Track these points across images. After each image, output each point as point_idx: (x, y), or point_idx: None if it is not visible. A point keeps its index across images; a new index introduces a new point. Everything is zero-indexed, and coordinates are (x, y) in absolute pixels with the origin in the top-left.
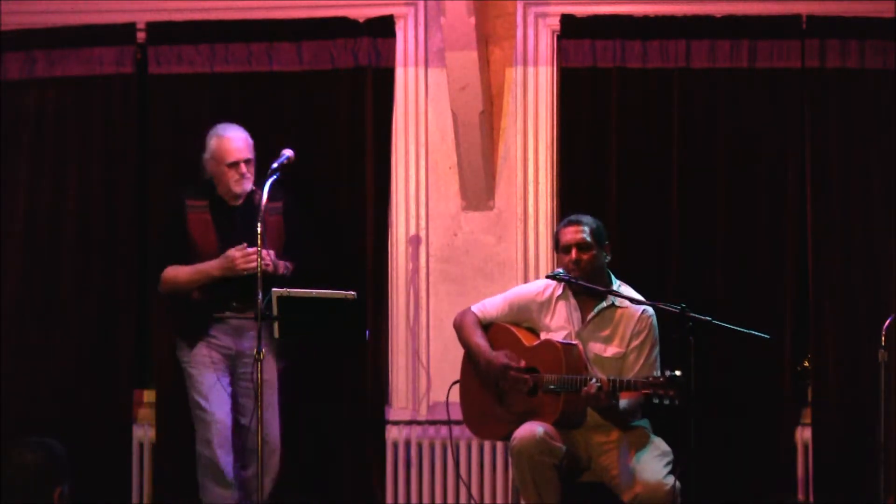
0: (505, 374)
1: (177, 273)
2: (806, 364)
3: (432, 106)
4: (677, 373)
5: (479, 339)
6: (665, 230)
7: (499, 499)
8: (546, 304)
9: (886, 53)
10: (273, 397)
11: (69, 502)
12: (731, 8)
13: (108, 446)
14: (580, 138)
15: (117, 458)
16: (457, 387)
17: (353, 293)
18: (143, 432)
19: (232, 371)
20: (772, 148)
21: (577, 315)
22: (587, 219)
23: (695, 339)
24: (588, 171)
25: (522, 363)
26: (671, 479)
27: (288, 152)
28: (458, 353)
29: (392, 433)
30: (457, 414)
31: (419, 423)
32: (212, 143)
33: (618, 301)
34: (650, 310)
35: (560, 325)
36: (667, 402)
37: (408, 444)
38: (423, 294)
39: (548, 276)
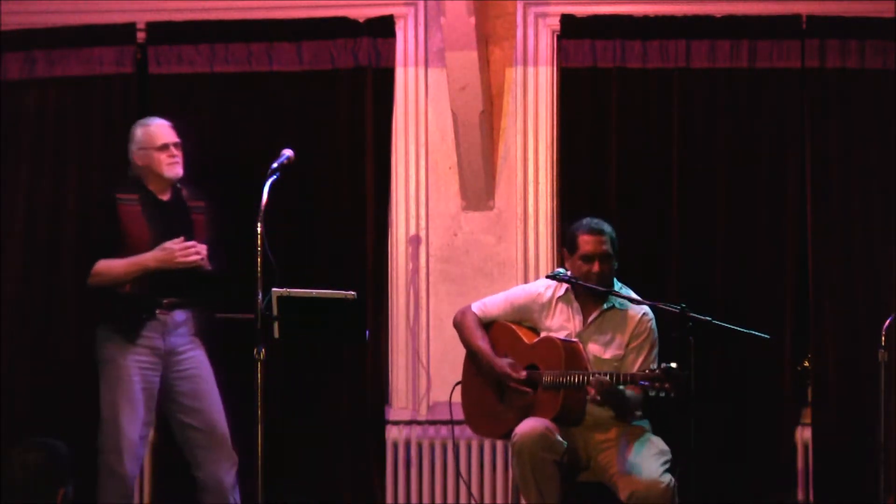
0: (505, 383)
1: (110, 266)
2: (806, 364)
3: (432, 106)
4: (673, 365)
5: (482, 343)
6: (665, 230)
7: (499, 499)
8: (547, 305)
9: (886, 53)
10: (213, 388)
11: (72, 503)
12: (731, 8)
13: None
14: (580, 138)
15: None
16: (458, 387)
17: (353, 293)
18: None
19: (164, 370)
20: (772, 148)
21: (578, 317)
22: (608, 227)
23: (695, 339)
24: (588, 171)
25: (523, 374)
26: (667, 478)
27: (288, 152)
28: (459, 353)
29: (392, 433)
30: (458, 414)
31: (419, 423)
32: (137, 132)
33: (619, 303)
34: (650, 313)
35: (560, 325)
36: (663, 394)
37: (408, 444)
38: (423, 294)
39: (548, 276)
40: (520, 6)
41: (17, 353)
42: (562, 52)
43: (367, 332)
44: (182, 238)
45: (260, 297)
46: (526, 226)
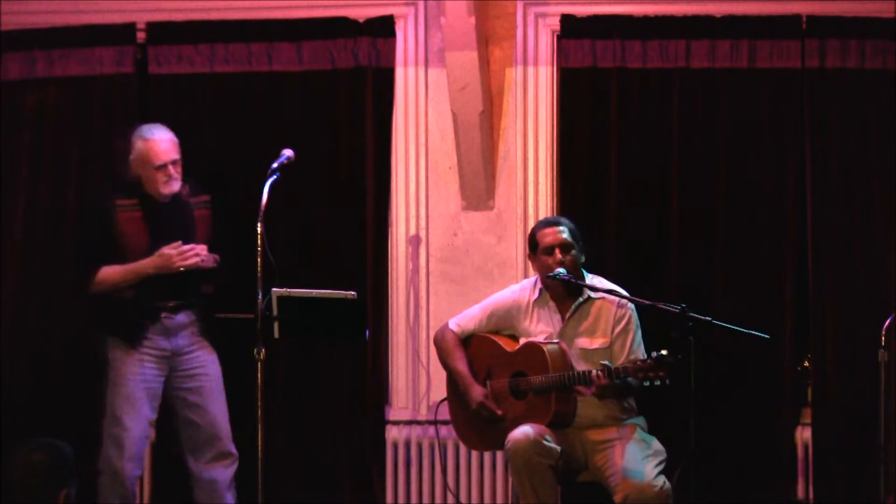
0: (479, 412)
1: (111, 274)
2: (806, 364)
3: (432, 106)
4: (664, 352)
5: (459, 365)
6: (665, 230)
7: (499, 499)
8: (524, 311)
9: (886, 53)
10: (218, 387)
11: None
12: (731, 8)
13: None
14: (580, 138)
15: None
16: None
17: (353, 293)
18: None
19: (169, 371)
20: (772, 148)
21: (557, 317)
22: (563, 219)
23: (695, 339)
24: (588, 171)
25: (499, 413)
26: (661, 480)
27: (288, 152)
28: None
29: (392, 433)
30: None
31: (419, 423)
32: (137, 145)
33: (592, 293)
34: (625, 294)
35: (541, 328)
36: (658, 383)
37: (408, 444)
38: (423, 294)
39: (548, 276)
40: (520, 6)
41: (17, 353)
42: (562, 52)
43: (367, 332)
44: (180, 242)
45: (260, 297)
46: (526, 226)
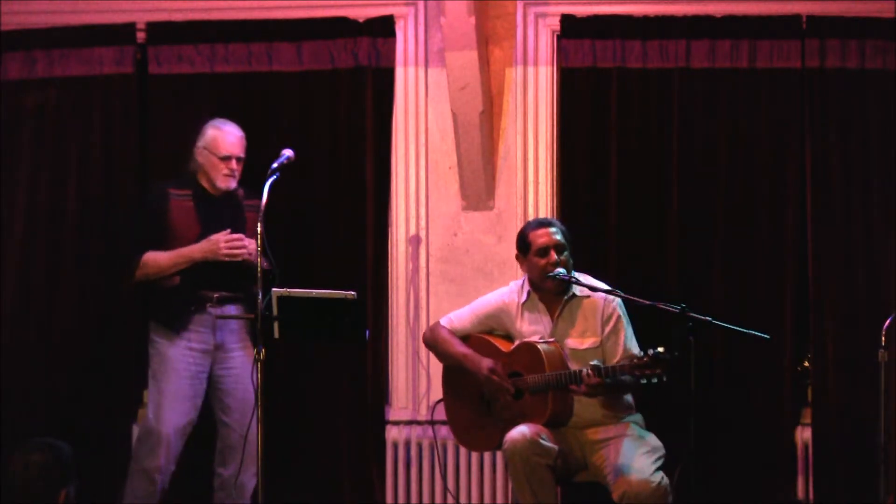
0: (489, 377)
1: (157, 258)
2: (806, 364)
3: (432, 106)
4: (660, 349)
5: (461, 348)
6: (665, 230)
7: (499, 499)
8: (514, 313)
9: (886, 53)
10: (250, 392)
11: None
12: (731, 8)
13: (108, 446)
14: (580, 138)
15: (117, 458)
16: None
17: (353, 293)
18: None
19: (211, 366)
20: (772, 148)
21: (546, 318)
22: (555, 221)
23: (695, 339)
24: (588, 170)
25: (507, 386)
26: (659, 476)
27: (288, 152)
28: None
29: (392, 433)
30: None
31: (419, 423)
32: (209, 132)
33: (578, 290)
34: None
35: (532, 329)
36: (654, 380)
37: (408, 444)
38: (423, 294)
39: (548, 277)
40: (520, 6)
41: (18, 353)
42: (562, 52)
43: (367, 332)
44: (229, 230)
45: (260, 297)
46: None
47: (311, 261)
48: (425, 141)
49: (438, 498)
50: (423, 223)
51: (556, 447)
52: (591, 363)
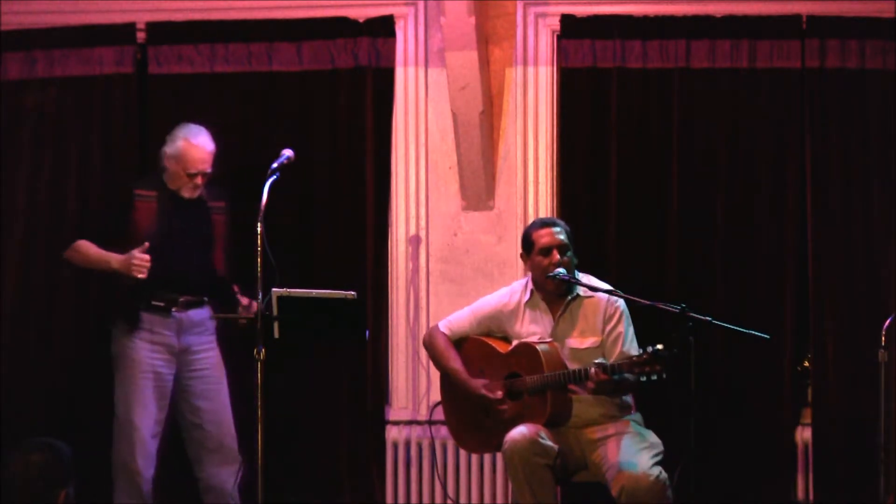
0: (483, 404)
1: (88, 249)
2: (806, 364)
3: (432, 106)
4: (659, 347)
5: (455, 364)
6: (665, 230)
7: (499, 499)
8: (514, 312)
9: (886, 53)
10: (223, 390)
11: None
12: (731, 8)
13: (108, 446)
14: (580, 138)
15: None
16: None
17: (353, 293)
18: None
19: (178, 368)
20: (772, 148)
21: (547, 317)
22: (558, 220)
23: (695, 339)
24: (588, 170)
25: (499, 394)
26: (657, 470)
27: (288, 152)
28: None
29: (392, 433)
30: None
31: (419, 423)
32: (180, 144)
33: (581, 291)
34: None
35: (532, 330)
36: (654, 377)
37: (408, 444)
38: (423, 294)
39: (548, 276)
40: (520, 6)
41: (18, 353)
42: (562, 52)
43: (367, 332)
44: (146, 246)
45: (260, 297)
46: (526, 226)
47: (311, 261)
48: (425, 141)
49: (438, 498)
50: (423, 223)
51: (555, 447)
52: (596, 361)
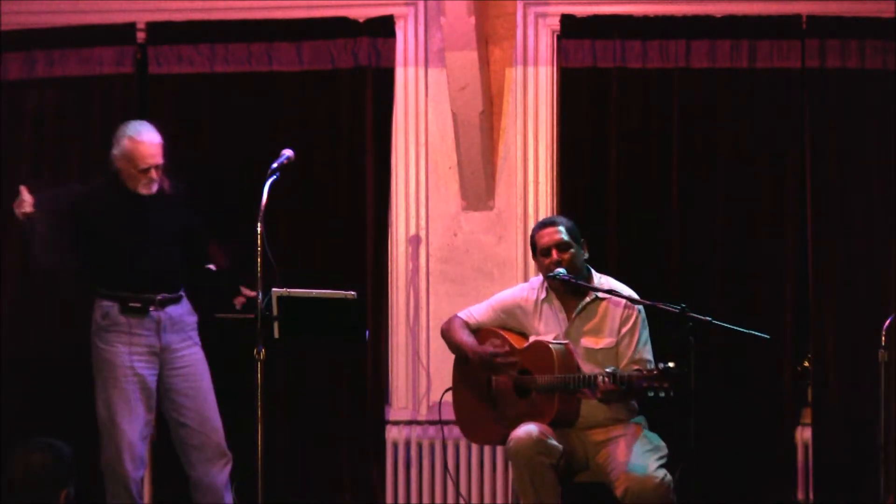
0: (492, 362)
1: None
2: (806, 364)
3: (432, 106)
4: (671, 364)
5: (465, 337)
6: (665, 230)
7: (499, 499)
8: (531, 309)
9: (886, 53)
10: (208, 386)
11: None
12: (731, 8)
13: None
14: (580, 138)
15: None
16: (449, 393)
17: (353, 293)
18: None
19: (161, 368)
20: (772, 148)
21: (562, 316)
22: (560, 219)
23: (695, 339)
24: (588, 170)
25: (507, 348)
26: (661, 473)
27: (288, 152)
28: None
29: (392, 433)
30: (448, 414)
31: (419, 423)
32: (125, 143)
33: (600, 295)
34: (634, 296)
35: (548, 328)
36: (662, 394)
37: (408, 444)
38: (423, 294)
39: (548, 277)
40: (520, 6)
41: (18, 353)
42: (562, 52)
43: (367, 332)
44: (27, 191)
45: (260, 297)
46: (526, 226)
47: (311, 261)
48: (425, 141)
49: (438, 498)
50: (423, 223)
51: (560, 447)
52: (607, 369)
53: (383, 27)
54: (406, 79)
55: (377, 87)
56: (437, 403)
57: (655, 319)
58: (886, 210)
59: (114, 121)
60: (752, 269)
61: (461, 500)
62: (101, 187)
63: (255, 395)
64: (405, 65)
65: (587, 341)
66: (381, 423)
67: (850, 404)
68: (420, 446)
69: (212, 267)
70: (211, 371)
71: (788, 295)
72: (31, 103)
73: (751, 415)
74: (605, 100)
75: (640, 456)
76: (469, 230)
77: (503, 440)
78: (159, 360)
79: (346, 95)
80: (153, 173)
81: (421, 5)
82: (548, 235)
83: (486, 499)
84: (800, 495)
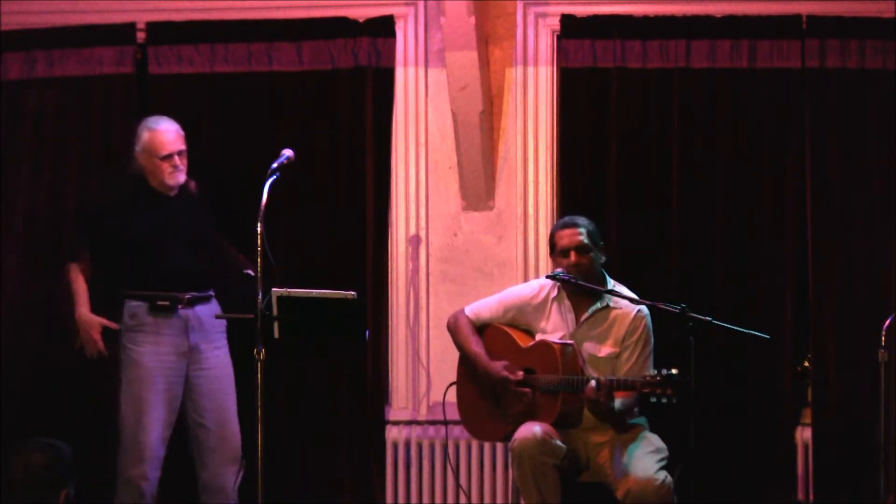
0: (504, 387)
1: (76, 283)
2: (806, 364)
3: (432, 106)
4: (673, 371)
5: (476, 347)
6: (665, 230)
7: (499, 499)
8: (541, 307)
9: (886, 53)
10: (230, 390)
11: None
12: (731, 8)
13: (108, 446)
14: (580, 138)
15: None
16: (453, 388)
17: (353, 293)
18: None
19: (187, 366)
20: (772, 148)
21: (571, 316)
22: (582, 220)
23: (695, 339)
24: (588, 171)
25: (520, 374)
26: (662, 475)
27: (288, 152)
28: (458, 353)
29: (392, 433)
30: (453, 414)
31: (419, 423)
32: (144, 136)
33: (612, 302)
34: (644, 309)
35: (555, 327)
36: (664, 400)
37: (408, 444)
38: (423, 294)
39: (548, 277)
40: (520, 6)
41: (18, 354)
42: (562, 52)
43: (367, 332)
44: (98, 329)
45: (260, 297)
46: (526, 226)
47: (311, 261)
48: (425, 141)
49: (438, 498)
50: (423, 223)
51: (564, 447)
52: (594, 377)
53: (383, 27)
54: (406, 79)
55: (377, 87)
56: (437, 403)
57: (655, 319)
58: (886, 210)
59: (114, 121)
60: (752, 269)
61: (461, 493)
62: (123, 191)
63: (255, 395)
64: (405, 65)
65: (592, 347)
66: (381, 423)
67: (850, 404)
68: (420, 446)
69: (250, 272)
70: None
71: (788, 295)
72: (31, 103)
73: (751, 415)
74: (605, 100)
75: (642, 458)
76: (469, 230)
77: (505, 437)
78: (186, 361)
79: (346, 95)
80: (176, 160)
81: (421, 5)
82: (568, 237)
83: (487, 498)
84: (800, 495)
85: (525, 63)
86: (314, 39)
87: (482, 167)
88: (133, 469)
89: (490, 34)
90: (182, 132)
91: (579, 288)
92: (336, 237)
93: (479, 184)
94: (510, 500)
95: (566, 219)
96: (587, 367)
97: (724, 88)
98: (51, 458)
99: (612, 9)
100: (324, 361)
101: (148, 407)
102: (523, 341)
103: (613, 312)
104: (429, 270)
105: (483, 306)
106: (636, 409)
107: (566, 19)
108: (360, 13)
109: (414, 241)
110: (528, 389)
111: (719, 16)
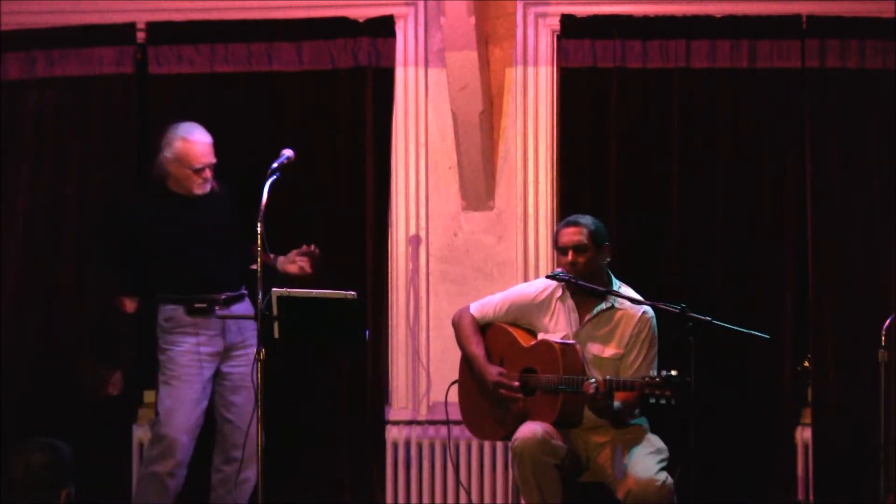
0: (496, 391)
1: (126, 304)
2: (806, 364)
3: (432, 106)
4: (673, 372)
5: (476, 349)
6: (665, 230)
7: (499, 499)
8: (545, 306)
9: (886, 53)
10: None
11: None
12: (731, 8)
13: (108, 446)
14: (580, 138)
15: (117, 458)
16: (455, 387)
17: (353, 293)
18: (144, 432)
19: (218, 367)
20: (772, 148)
21: (574, 316)
22: (586, 219)
23: (695, 339)
24: (588, 170)
25: (516, 383)
26: (663, 475)
27: (288, 152)
28: (458, 352)
29: (392, 433)
30: (455, 414)
31: (419, 423)
32: (177, 144)
33: (618, 303)
34: (650, 311)
35: (559, 326)
36: (663, 401)
37: (408, 444)
38: (423, 294)
39: (547, 276)
40: (520, 6)
41: (18, 353)
42: (562, 52)
43: (367, 332)
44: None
45: (260, 297)
46: (526, 226)
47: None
48: (425, 141)
49: (438, 498)
50: (423, 223)
51: (564, 447)
52: (594, 377)
53: (383, 27)
54: (406, 79)
55: (377, 87)
56: (436, 403)
57: (656, 319)
58: (886, 210)
59: (114, 121)
60: (752, 269)
61: (462, 491)
62: (149, 196)
63: (255, 395)
64: (405, 65)
65: (595, 348)
66: (381, 422)
67: (850, 404)
68: (420, 446)
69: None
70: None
71: (788, 295)
72: (31, 103)
73: (751, 415)
74: (605, 100)
75: (642, 458)
76: (469, 230)
77: (506, 437)
78: (218, 361)
79: (346, 95)
80: (207, 173)
81: (421, 5)
82: (568, 235)
83: (487, 497)
84: (800, 495)
85: (525, 63)
86: (314, 39)
87: (482, 167)
88: (161, 465)
89: (490, 34)
90: (212, 143)
91: (579, 288)
92: (336, 237)
93: (479, 184)
94: (510, 500)
95: (570, 217)
96: (590, 368)
97: (724, 88)
98: (51, 458)
99: (612, 9)
100: (324, 361)
101: (182, 405)
102: (525, 340)
103: (619, 313)
104: (429, 270)
105: (488, 305)
106: (637, 410)
107: (566, 19)
108: (360, 13)
109: (414, 241)
110: (520, 395)
111: (719, 16)
